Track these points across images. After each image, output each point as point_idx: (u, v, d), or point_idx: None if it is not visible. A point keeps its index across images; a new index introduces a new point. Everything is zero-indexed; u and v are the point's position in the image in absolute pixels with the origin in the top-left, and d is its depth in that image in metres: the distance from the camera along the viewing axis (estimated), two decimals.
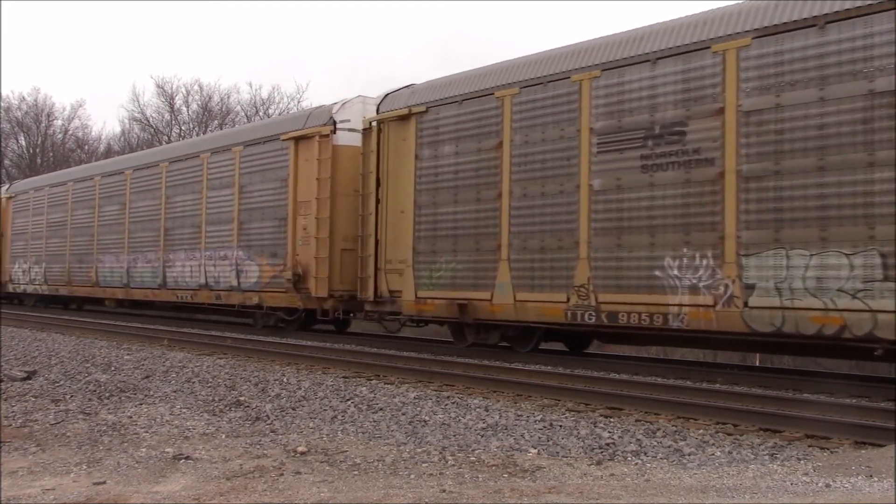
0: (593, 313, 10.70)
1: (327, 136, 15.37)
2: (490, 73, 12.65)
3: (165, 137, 44.70)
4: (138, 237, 20.94)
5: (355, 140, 15.21)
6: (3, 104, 50.20)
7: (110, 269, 22.04)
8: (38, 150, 52.10)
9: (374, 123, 14.26)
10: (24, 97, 53.13)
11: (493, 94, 12.25)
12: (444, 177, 12.88)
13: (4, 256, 28.15)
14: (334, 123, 15.40)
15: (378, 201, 14.05)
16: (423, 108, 13.37)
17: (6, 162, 51.26)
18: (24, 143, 52.45)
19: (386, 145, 14.00)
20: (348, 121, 15.42)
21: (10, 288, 27.78)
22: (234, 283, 17.34)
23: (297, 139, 15.98)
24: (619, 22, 61.63)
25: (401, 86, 14.54)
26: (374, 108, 14.62)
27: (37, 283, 25.97)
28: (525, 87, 11.83)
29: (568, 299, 10.96)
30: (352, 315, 16.09)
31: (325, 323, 16.71)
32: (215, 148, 18.58)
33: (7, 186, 29.95)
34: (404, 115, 13.63)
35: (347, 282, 15.10)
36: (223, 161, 18.06)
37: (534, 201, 11.54)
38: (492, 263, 12.03)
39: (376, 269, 13.96)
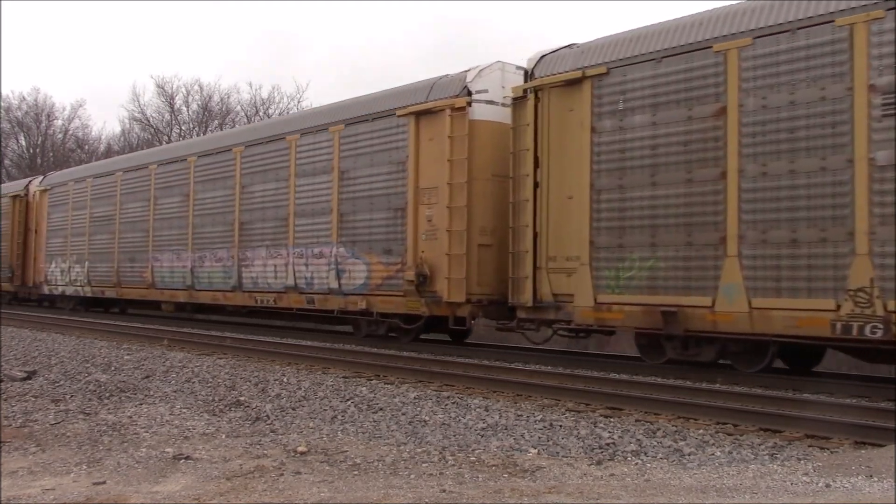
0: (879, 326, 8.37)
1: (462, 109, 12.73)
2: (704, 21, 10.25)
3: (165, 137, 44.71)
4: (206, 232, 18.44)
5: (494, 114, 12.86)
6: (3, 104, 50.25)
7: (170, 269, 19.62)
8: (38, 150, 52.13)
9: (529, 92, 11.78)
10: (24, 97, 53.15)
11: (709, 47, 9.93)
12: (636, 153, 10.52)
13: (38, 255, 25.71)
14: (469, 94, 12.82)
15: (536, 185, 11.64)
16: (601, 70, 10.94)
17: (6, 162, 51.28)
18: (24, 143, 52.53)
19: (545, 117, 11.60)
20: (485, 91, 12.89)
21: (46, 290, 25.16)
22: (334, 284, 14.73)
23: (419, 114, 13.32)
24: (623, 16, 61.58)
25: (556, 47, 12.08)
26: (517, 75, 12.60)
27: (78, 283, 23.32)
28: (760, 36, 9.50)
29: (838, 307, 8.66)
30: (497, 323, 12.89)
31: (444, 332, 14.48)
32: (307, 128, 15.86)
33: (40, 179, 27.35)
34: (574, 80, 11.20)
35: (486, 283, 12.70)
36: (317, 143, 15.42)
37: (779, 181, 9.23)
38: (712, 261, 9.76)
39: (535, 267, 11.55)
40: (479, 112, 12.83)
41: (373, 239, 14.15)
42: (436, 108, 13.09)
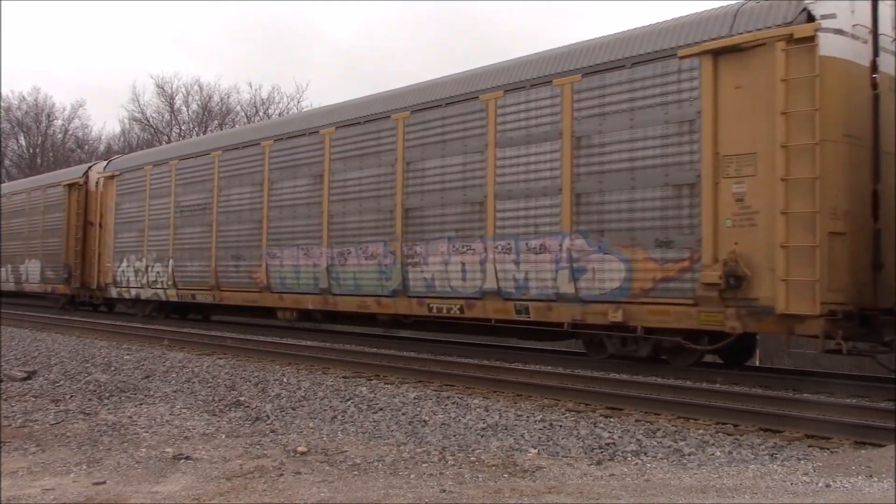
0: None
1: (806, 41, 9.07)
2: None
3: (165, 137, 44.71)
4: (350, 222, 14.50)
5: (845, 49, 9.36)
6: (3, 104, 50.23)
7: (293, 268, 15.52)
8: (38, 150, 52.13)
9: None
10: (24, 97, 53.16)
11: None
12: None
13: (103, 253, 21.67)
14: (811, 19, 9.21)
15: None
16: None
17: (6, 162, 51.28)
18: (24, 143, 52.53)
19: None
20: (833, 16, 9.36)
21: (114, 292, 21.25)
22: (566, 289, 11.08)
23: (717, 53, 9.75)
24: (630, 18, 61.57)
25: None
26: None
27: (159, 286, 19.37)
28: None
29: None
30: (847, 345, 8.89)
31: (715, 353, 10.74)
32: (513, 84, 12.02)
33: (103, 164, 23.17)
34: None
35: (840, 288, 9.02)
36: (533, 102, 11.68)
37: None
38: None
39: None
40: (829, 46, 9.23)
41: (636, 227, 10.44)
42: (750, 42, 9.48)
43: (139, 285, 20.15)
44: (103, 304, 23.53)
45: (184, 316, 20.65)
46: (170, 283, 18.97)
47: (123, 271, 20.85)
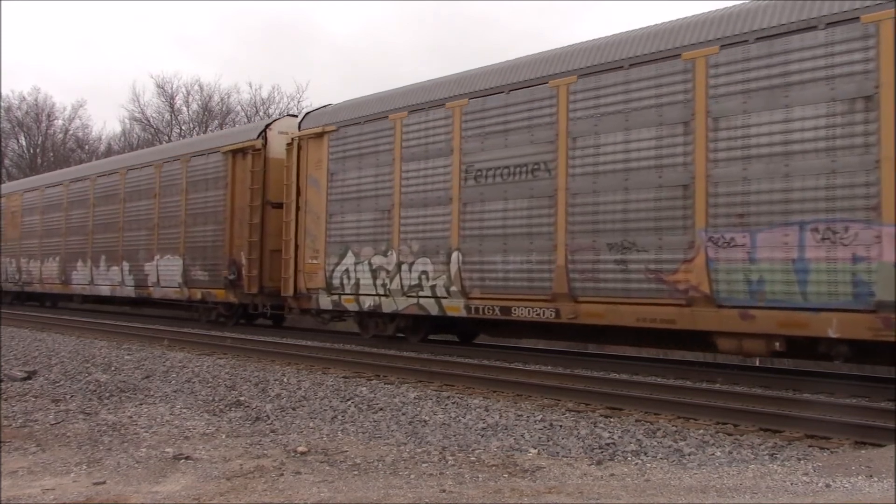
0: None
1: None
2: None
3: (165, 137, 44.72)
4: None
5: None
6: (3, 104, 50.23)
7: (787, 263, 9.00)
8: (38, 150, 52.13)
9: None
10: (24, 97, 53.19)
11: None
12: None
13: (301, 245, 15.26)
14: None
15: None
16: None
17: (6, 162, 51.29)
18: (24, 143, 52.52)
19: None
20: None
21: (325, 302, 14.70)
22: None
23: None
24: (630, 18, 61.59)
25: None
26: None
27: (426, 292, 12.94)
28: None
29: None
30: None
31: None
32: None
33: (301, 117, 16.05)
34: None
35: None
36: None
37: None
38: None
39: None
40: None
41: None
42: None
43: (379, 292, 13.76)
44: (330, 318, 15.66)
45: (467, 340, 14.76)
46: (452, 287, 12.53)
47: (348, 271, 14.35)
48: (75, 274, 23.11)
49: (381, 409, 8.05)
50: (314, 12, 72.06)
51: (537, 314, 11.40)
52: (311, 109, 16.16)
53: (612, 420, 7.61)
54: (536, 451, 6.31)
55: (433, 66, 64.25)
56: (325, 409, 8.09)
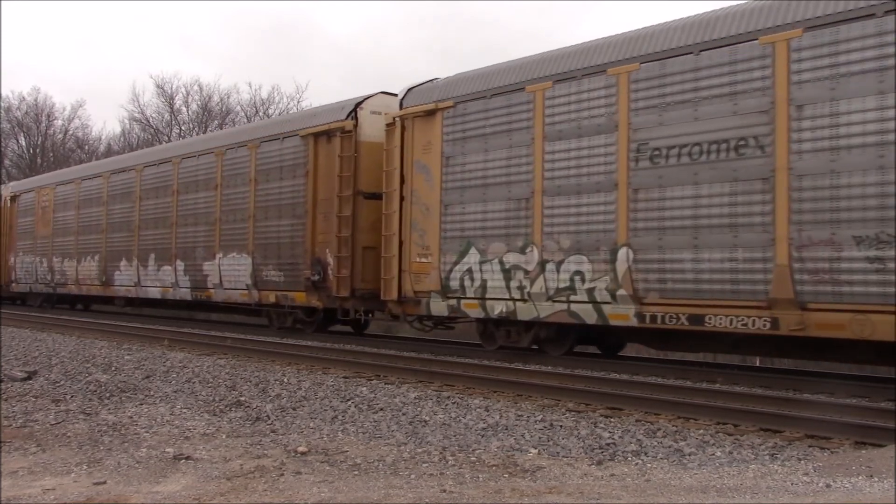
0: None
1: None
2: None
3: (166, 138, 44.70)
4: None
5: None
6: (3, 104, 50.21)
7: None
8: (38, 150, 52.11)
9: None
10: (24, 97, 53.14)
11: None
12: None
13: (406, 241, 13.23)
14: None
15: None
16: None
17: (6, 162, 51.28)
18: (24, 143, 52.51)
19: None
20: None
21: (440, 307, 12.67)
22: None
23: None
24: (632, 18, 61.63)
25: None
26: None
27: (581, 296, 10.86)
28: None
29: None
30: None
31: None
32: None
33: (404, 91, 13.75)
34: None
35: None
36: None
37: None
38: None
39: None
40: None
41: None
42: None
43: (514, 296, 11.65)
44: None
45: (613, 353, 12.71)
46: (619, 291, 10.45)
47: (470, 271, 12.28)
48: (118, 274, 20.89)
49: (381, 409, 8.05)
50: (314, 12, 72.08)
51: (743, 324, 9.28)
52: (415, 84, 13.73)
53: (612, 420, 7.62)
54: (537, 451, 6.31)
55: (434, 67, 64.27)
56: (326, 410, 8.09)
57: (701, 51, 9.87)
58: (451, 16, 71.42)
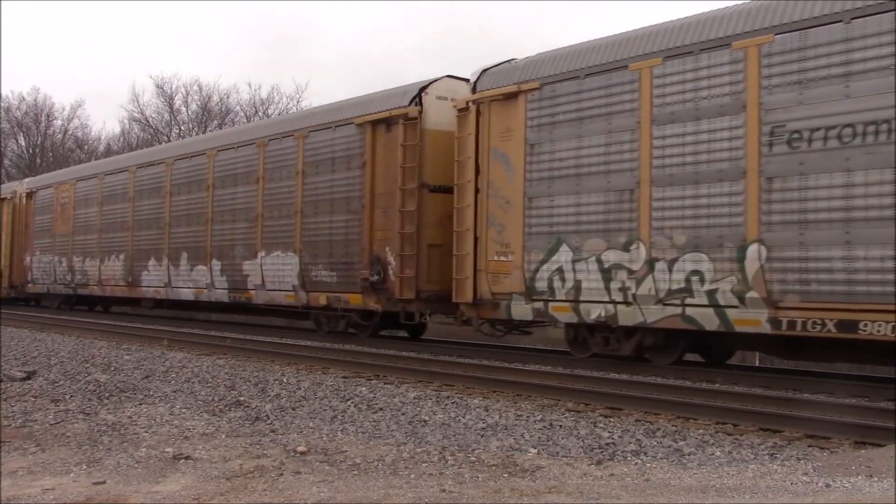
0: None
1: None
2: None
3: (165, 138, 44.70)
4: None
5: None
6: (3, 104, 50.20)
7: None
8: (37, 150, 52.11)
9: None
10: (23, 97, 53.07)
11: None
12: None
13: (482, 237, 12.16)
14: None
15: None
16: None
17: (6, 162, 51.28)
18: (23, 143, 52.51)
19: None
20: None
21: (522, 309, 11.63)
22: None
23: None
24: (632, 18, 61.62)
25: None
26: None
27: (686, 298, 9.92)
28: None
29: None
30: None
31: None
32: None
33: (485, 70, 12.66)
34: None
35: None
36: None
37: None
38: None
39: None
40: None
41: None
42: None
43: (615, 298, 10.50)
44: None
45: (721, 361, 11.59)
46: (748, 294, 9.34)
47: (561, 270, 11.07)
48: (146, 275, 19.75)
49: (380, 409, 8.04)
50: (314, 13, 72.06)
51: None
52: (490, 65, 12.63)
53: (611, 420, 7.61)
54: (536, 450, 6.31)
55: (434, 67, 64.27)
56: (325, 409, 8.09)
57: (853, 18, 8.66)
58: (450, 16, 71.46)
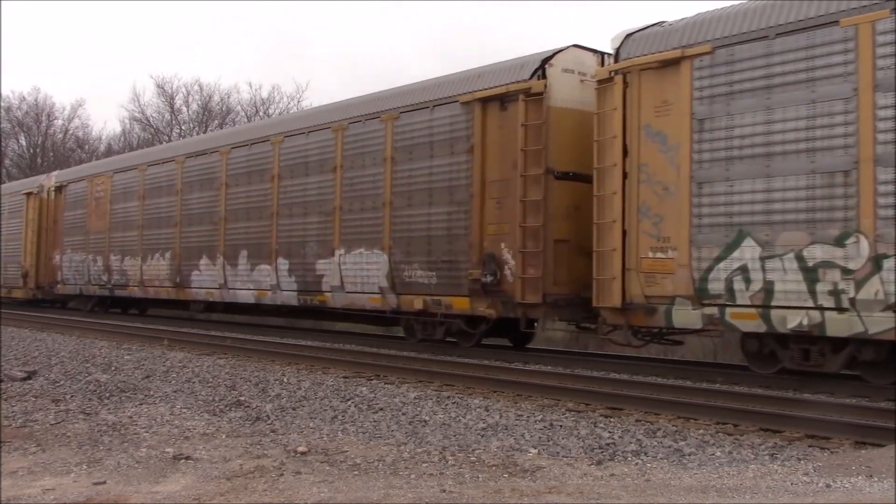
0: None
1: None
2: None
3: (166, 137, 44.69)
4: None
5: None
6: (3, 104, 50.19)
7: None
8: (38, 149, 52.10)
9: None
10: (24, 97, 53.06)
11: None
12: None
13: (630, 232, 10.40)
14: None
15: None
16: None
17: (6, 162, 51.28)
18: (24, 143, 52.51)
19: None
20: None
21: (673, 316, 9.97)
22: None
23: None
24: (627, 18, 61.59)
25: None
26: None
27: None
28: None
29: None
30: None
31: None
32: None
33: (621, 39, 10.75)
34: None
35: None
36: None
37: None
38: None
39: None
40: None
41: None
42: None
43: (822, 303, 8.71)
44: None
45: None
46: None
47: (745, 269, 9.30)
48: (196, 275, 17.96)
49: (381, 409, 8.05)
50: (314, 13, 72.06)
51: None
52: (635, 29, 10.74)
53: (612, 420, 7.61)
54: (536, 451, 6.31)
55: (434, 67, 64.23)
56: (326, 409, 8.09)
57: None
58: (450, 17, 71.43)
